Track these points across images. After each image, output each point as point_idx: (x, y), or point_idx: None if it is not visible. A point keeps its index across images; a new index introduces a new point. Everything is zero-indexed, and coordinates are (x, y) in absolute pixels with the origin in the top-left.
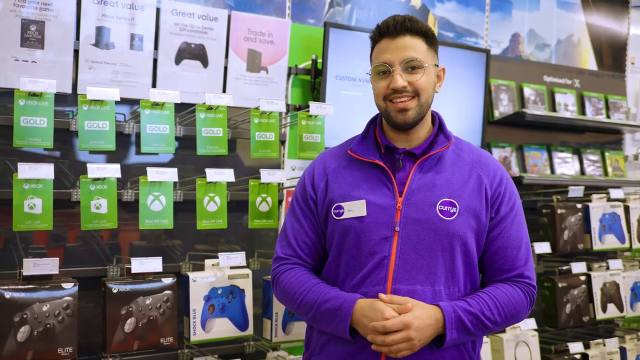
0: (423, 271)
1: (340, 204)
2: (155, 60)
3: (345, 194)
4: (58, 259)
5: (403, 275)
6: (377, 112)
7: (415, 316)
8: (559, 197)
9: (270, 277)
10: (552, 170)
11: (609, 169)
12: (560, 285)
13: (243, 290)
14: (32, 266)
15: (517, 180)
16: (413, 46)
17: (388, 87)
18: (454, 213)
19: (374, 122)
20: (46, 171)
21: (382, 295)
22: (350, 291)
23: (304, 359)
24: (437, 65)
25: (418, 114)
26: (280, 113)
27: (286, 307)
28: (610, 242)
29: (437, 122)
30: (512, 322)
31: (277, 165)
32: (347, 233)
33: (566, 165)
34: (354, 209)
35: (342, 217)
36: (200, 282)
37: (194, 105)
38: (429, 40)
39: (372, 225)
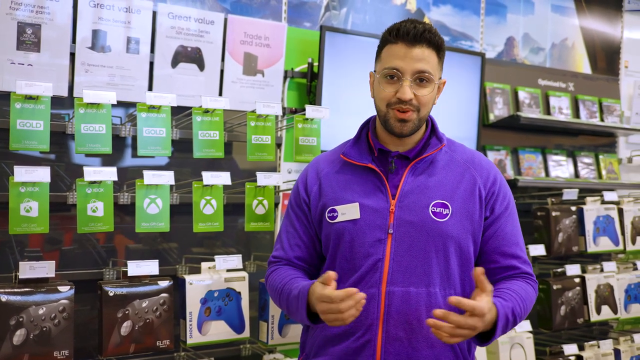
0: (417, 273)
1: (333, 207)
2: (151, 64)
3: (339, 198)
4: (54, 262)
5: (397, 277)
6: (370, 115)
7: (490, 309)
8: (553, 199)
9: None
10: (547, 173)
11: (603, 172)
12: (554, 287)
13: (239, 293)
14: (28, 269)
15: (512, 183)
16: (427, 58)
17: (394, 95)
18: (447, 214)
19: (366, 126)
20: (42, 174)
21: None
22: None
23: None
24: (440, 78)
25: (416, 126)
26: (277, 116)
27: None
28: (604, 244)
29: (430, 125)
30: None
31: (273, 168)
32: (341, 236)
33: (560, 168)
34: (348, 212)
35: (336, 220)
36: (197, 285)
37: (190, 108)
38: (440, 54)
39: (365, 228)
